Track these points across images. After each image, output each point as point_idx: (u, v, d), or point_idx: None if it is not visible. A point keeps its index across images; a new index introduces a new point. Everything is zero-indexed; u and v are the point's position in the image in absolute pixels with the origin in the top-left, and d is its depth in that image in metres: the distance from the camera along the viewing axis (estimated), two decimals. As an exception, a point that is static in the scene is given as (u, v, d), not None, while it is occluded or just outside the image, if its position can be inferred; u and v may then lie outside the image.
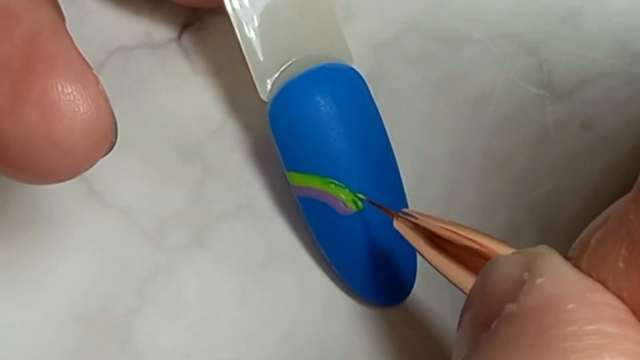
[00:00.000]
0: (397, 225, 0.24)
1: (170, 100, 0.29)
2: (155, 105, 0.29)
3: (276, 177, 0.28)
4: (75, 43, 0.21)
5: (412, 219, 0.24)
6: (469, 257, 0.22)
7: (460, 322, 0.20)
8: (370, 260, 0.26)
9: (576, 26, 0.30)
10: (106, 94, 0.21)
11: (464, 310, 0.19)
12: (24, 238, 0.28)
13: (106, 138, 0.21)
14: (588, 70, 0.30)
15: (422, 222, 0.24)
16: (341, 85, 0.26)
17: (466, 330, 0.19)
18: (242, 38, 0.26)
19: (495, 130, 0.29)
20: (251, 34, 0.26)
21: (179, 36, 0.30)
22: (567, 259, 0.19)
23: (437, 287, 0.27)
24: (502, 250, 0.22)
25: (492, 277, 0.19)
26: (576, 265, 0.18)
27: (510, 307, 0.18)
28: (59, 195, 0.28)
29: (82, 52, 0.20)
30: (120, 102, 0.29)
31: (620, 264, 0.17)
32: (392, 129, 0.27)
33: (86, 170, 0.21)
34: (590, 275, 0.18)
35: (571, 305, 0.17)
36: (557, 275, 0.18)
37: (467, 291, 0.22)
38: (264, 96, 0.26)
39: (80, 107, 0.20)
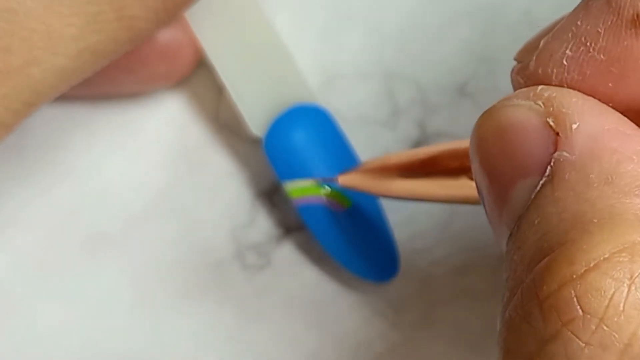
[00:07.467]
0: (343, 181, 0.29)
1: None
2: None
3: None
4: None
5: (353, 172, 0.29)
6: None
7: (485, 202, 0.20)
8: (362, 244, 0.32)
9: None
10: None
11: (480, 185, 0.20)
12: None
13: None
14: None
15: (361, 169, 0.29)
16: (315, 118, 0.32)
17: (495, 198, 0.19)
18: (232, 94, 0.32)
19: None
20: (237, 91, 0.32)
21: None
22: (517, 61, 0.20)
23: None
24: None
25: (504, 125, 0.19)
26: (525, 66, 0.20)
27: (560, 155, 0.18)
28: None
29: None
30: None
31: (565, 62, 0.19)
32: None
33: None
34: (537, 73, 0.20)
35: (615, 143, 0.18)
36: (587, 116, 0.18)
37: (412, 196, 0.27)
38: (257, 132, 0.32)
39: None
